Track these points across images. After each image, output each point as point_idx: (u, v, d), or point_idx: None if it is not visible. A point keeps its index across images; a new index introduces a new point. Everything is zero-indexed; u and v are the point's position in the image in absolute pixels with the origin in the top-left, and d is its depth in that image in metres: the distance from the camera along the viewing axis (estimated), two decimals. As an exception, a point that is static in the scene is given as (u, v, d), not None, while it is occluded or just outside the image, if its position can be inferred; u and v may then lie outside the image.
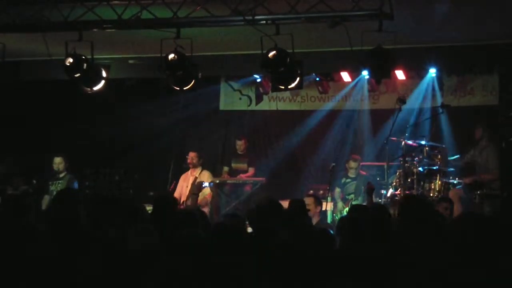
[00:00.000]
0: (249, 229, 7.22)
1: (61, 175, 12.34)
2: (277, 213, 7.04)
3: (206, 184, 12.03)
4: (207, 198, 12.25)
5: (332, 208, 12.35)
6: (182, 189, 12.49)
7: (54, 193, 11.88)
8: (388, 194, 11.73)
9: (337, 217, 12.15)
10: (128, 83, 13.57)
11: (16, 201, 6.80)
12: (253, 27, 8.97)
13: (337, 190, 12.69)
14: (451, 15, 9.17)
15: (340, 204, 12.52)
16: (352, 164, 12.67)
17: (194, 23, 9.23)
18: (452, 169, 11.93)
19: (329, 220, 11.71)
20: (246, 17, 8.86)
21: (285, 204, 12.23)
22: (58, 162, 12.34)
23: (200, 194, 11.90)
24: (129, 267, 4.92)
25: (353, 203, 12.06)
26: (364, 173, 12.73)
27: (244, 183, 13.21)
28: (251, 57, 10.25)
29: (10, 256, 4.97)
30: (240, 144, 13.59)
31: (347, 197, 12.57)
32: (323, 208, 10.98)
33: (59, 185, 12.14)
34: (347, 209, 12.15)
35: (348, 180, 12.71)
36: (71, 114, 13.83)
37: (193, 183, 12.17)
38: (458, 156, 12.07)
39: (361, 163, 12.81)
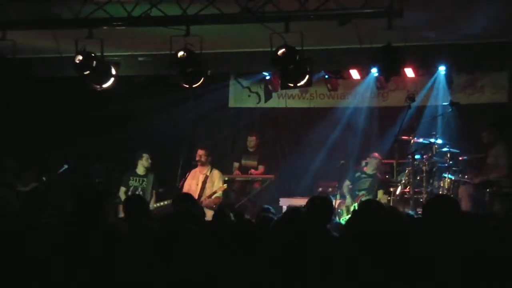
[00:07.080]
0: None
1: (145, 174, 12.32)
2: None
3: None
4: (219, 198, 12.21)
5: (338, 204, 12.15)
6: (191, 186, 12.23)
7: (132, 188, 12.14)
8: (398, 192, 11.69)
9: (341, 212, 12.08)
10: (138, 80, 13.59)
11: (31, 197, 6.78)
12: (263, 25, 8.99)
13: (347, 183, 12.47)
14: (460, 13, 9.17)
15: (348, 199, 12.36)
16: (374, 161, 12.50)
17: (203, 20, 9.25)
18: (460, 167, 11.88)
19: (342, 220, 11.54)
20: (256, 15, 8.88)
21: (293, 201, 12.26)
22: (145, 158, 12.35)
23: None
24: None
25: (363, 199, 12.01)
26: (380, 175, 12.57)
27: (253, 180, 13.21)
28: (260, 54, 10.28)
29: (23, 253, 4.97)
30: (251, 140, 13.58)
31: (357, 192, 12.41)
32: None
33: (144, 183, 12.22)
34: (355, 204, 12.07)
35: (364, 175, 12.50)
36: (80, 111, 13.86)
37: (203, 182, 12.19)
38: (467, 156, 11.99)
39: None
